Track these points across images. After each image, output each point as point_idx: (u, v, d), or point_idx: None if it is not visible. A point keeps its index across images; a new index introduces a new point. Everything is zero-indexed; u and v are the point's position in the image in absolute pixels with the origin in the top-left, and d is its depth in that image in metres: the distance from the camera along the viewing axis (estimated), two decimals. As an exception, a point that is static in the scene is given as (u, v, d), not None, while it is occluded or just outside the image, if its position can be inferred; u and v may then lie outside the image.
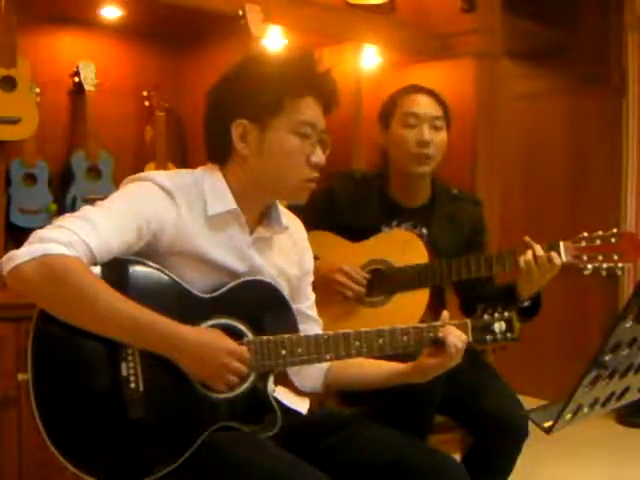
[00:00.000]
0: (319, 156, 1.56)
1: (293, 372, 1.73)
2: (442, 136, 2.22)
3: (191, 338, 1.40)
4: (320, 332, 1.68)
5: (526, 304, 2.03)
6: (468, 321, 1.63)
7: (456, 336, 1.56)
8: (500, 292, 2.09)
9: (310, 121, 1.54)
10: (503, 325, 1.64)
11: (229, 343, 1.44)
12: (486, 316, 1.64)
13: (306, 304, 1.75)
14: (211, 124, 1.59)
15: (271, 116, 1.52)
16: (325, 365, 1.72)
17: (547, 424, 1.40)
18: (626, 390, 1.50)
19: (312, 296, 1.77)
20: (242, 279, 1.55)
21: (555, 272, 1.96)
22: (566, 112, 4.37)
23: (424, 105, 2.21)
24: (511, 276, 2.05)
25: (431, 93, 2.24)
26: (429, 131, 2.18)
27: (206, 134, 1.61)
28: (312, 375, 1.73)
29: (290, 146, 1.53)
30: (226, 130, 1.54)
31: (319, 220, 2.13)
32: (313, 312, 1.77)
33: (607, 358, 1.35)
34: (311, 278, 1.77)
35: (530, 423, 1.89)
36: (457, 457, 2.04)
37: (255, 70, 1.56)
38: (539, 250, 1.95)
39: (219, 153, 1.58)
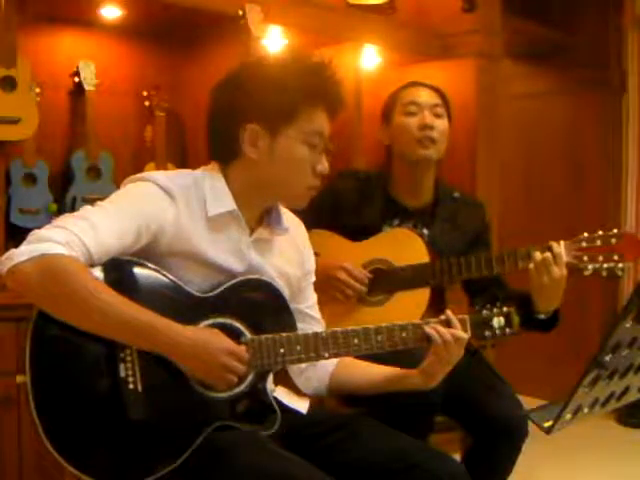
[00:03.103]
0: (325, 165, 1.57)
1: (296, 374, 1.73)
2: (444, 122, 2.24)
3: (189, 338, 1.40)
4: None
5: (542, 317, 2.00)
6: (467, 316, 1.63)
7: (441, 330, 1.57)
8: (513, 298, 2.06)
9: (320, 131, 1.55)
10: (502, 320, 1.65)
11: (227, 342, 1.44)
12: (485, 311, 1.64)
13: (307, 304, 1.74)
14: (219, 124, 1.58)
15: (284, 124, 1.52)
16: (330, 368, 1.72)
17: (547, 424, 1.40)
18: (626, 390, 1.50)
19: (314, 296, 1.77)
20: (240, 278, 1.55)
21: (564, 270, 1.93)
22: (566, 112, 4.36)
23: (423, 94, 2.25)
24: (525, 282, 2.01)
25: (428, 85, 2.28)
26: (430, 116, 2.21)
27: (211, 132, 1.60)
28: (316, 378, 1.73)
29: (299, 156, 1.53)
30: (235, 132, 1.53)
31: (322, 219, 2.13)
32: (315, 312, 1.76)
33: (607, 358, 1.35)
34: (312, 278, 1.77)
35: (530, 423, 1.89)
36: (457, 457, 2.04)
37: (271, 75, 1.54)
38: (554, 245, 1.93)
39: (224, 153, 1.57)
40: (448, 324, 1.60)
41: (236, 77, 1.57)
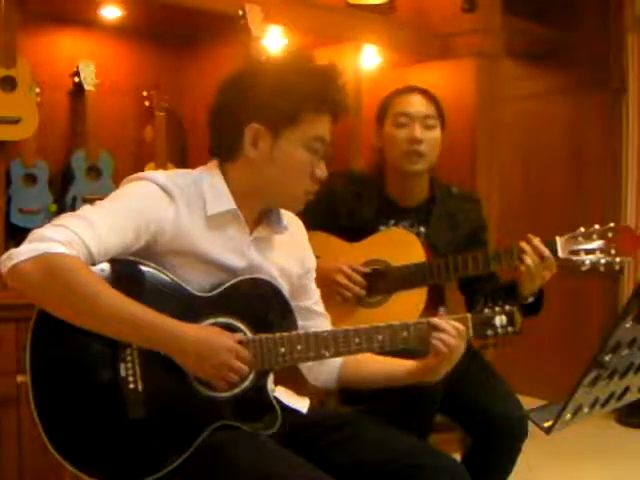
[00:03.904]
0: (323, 170, 1.57)
1: (306, 369, 1.74)
2: (435, 134, 2.21)
3: (191, 336, 1.40)
4: (329, 327, 1.69)
5: (530, 300, 2.03)
6: (469, 315, 1.63)
7: (442, 337, 1.56)
8: (503, 289, 2.09)
9: (322, 136, 1.55)
10: (504, 319, 1.64)
11: (229, 341, 1.44)
12: (487, 310, 1.64)
13: (311, 301, 1.75)
14: (223, 121, 1.57)
15: (287, 126, 1.52)
16: (337, 362, 1.73)
17: (547, 424, 1.40)
18: (626, 390, 1.50)
19: (317, 292, 1.78)
20: (241, 277, 1.55)
21: (554, 271, 1.96)
22: (566, 112, 4.36)
23: (415, 104, 2.22)
24: (513, 272, 2.04)
25: (424, 92, 2.25)
26: (420, 129, 2.18)
27: (213, 130, 1.60)
28: (325, 372, 1.74)
29: (299, 160, 1.54)
30: (238, 131, 1.53)
31: (318, 220, 2.13)
32: (320, 308, 1.77)
33: (607, 358, 1.35)
34: (314, 275, 1.77)
35: (530, 423, 1.89)
36: (457, 457, 2.04)
37: (278, 77, 1.54)
38: (546, 252, 1.95)
39: (225, 151, 1.57)
40: (439, 330, 1.58)
41: (244, 76, 1.58)
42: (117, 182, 1.62)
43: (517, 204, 4.35)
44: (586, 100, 4.26)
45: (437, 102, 2.25)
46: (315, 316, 1.74)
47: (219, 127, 1.58)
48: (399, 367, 1.66)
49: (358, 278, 2.11)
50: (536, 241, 1.97)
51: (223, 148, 1.58)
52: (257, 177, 1.55)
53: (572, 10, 4.16)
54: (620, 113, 4.17)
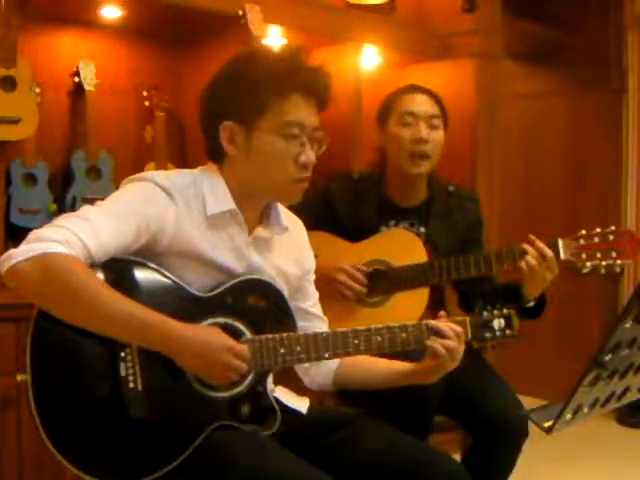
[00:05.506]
0: (308, 156, 1.53)
1: (302, 371, 1.74)
2: (439, 134, 2.21)
3: (190, 336, 1.40)
4: (326, 330, 1.68)
5: (531, 304, 2.03)
6: (467, 318, 1.63)
7: (441, 340, 1.56)
8: (501, 290, 2.10)
9: (297, 121, 1.52)
10: (502, 322, 1.65)
11: (228, 340, 1.44)
12: (485, 313, 1.65)
13: (309, 303, 1.75)
14: (204, 126, 1.60)
15: (256, 117, 1.51)
16: (334, 364, 1.73)
17: (547, 424, 1.40)
18: (626, 390, 1.51)
19: (315, 294, 1.77)
20: (240, 278, 1.55)
21: (556, 272, 1.96)
22: (566, 112, 4.37)
23: (420, 103, 2.21)
24: (512, 274, 2.04)
25: (428, 92, 2.24)
26: (426, 129, 2.18)
27: (203, 135, 1.61)
28: (321, 373, 1.74)
29: (275, 148, 1.52)
30: (216, 133, 1.54)
31: (317, 222, 2.12)
32: (317, 310, 1.77)
33: (607, 358, 1.35)
34: (313, 277, 1.77)
35: (530, 423, 1.89)
36: (457, 457, 2.04)
37: (240, 71, 1.55)
38: (549, 253, 1.95)
39: (214, 154, 1.59)
40: (438, 333, 1.58)
41: (214, 78, 1.58)
42: (117, 182, 1.62)
43: (517, 204, 4.35)
44: (586, 100, 4.26)
45: (441, 102, 2.24)
46: (312, 318, 1.74)
47: (204, 132, 1.60)
48: (395, 369, 1.66)
49: (359, 276, 2.11)
50: (539, 242, 1.97)
51: (212, 151, 1.59)
52: (243, 173, 1.55)
53: (572, 10, 4.15)
54: (620, 113, 4.18)
